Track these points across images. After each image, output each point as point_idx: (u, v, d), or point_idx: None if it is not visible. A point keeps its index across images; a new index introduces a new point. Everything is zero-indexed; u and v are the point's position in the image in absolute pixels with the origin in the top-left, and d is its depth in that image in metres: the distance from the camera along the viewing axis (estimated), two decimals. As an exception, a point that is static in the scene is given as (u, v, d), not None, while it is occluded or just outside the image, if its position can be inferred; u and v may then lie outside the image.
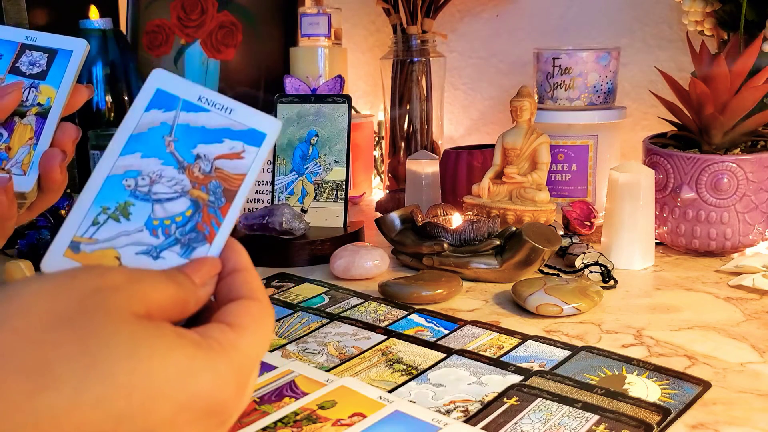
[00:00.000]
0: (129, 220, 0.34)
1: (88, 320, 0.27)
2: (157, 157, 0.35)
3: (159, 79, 0.37)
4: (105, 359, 0.27)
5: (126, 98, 1.16)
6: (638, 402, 0.48)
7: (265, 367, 0.54)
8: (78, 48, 0.52)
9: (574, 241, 0.82)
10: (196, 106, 0.36)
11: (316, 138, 0.88)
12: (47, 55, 0.52)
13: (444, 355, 0.56)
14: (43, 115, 0.51)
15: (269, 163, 0.89)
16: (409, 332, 0.61)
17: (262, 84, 1.26)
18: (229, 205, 0.35)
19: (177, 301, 0.31)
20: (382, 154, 1.20)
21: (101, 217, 0.34)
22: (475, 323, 0.62)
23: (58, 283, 0.29)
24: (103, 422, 0.26)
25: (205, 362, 0.29)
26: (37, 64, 0.52)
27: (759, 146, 0.80)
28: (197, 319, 0.33)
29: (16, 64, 0.52)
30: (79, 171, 1.12)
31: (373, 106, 1.32)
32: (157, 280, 0.31)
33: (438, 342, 0.58)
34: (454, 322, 0.62)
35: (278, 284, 0.74)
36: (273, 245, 0.80)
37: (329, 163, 0.87)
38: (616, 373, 0.52)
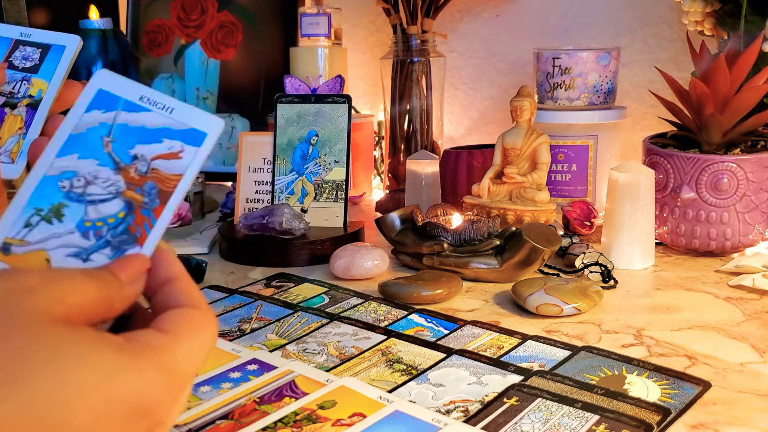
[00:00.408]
0: (61, 222, 0.34)
1: (1, 327, 0.26)
2: (94, 158, 0.35)
3: (102, 79, 0.36)
4: (20, 368, 0.25)
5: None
6: (638, 402, 0.48)
7: (265, 367, 0.54)
8: (71, 43, 0.52)
9: (574, 241, 0.82)
10: (137, 106, 0.36)
11: (316, 138, 0.88)
12: (40, 50, 0.52)
13: (444, 355, 0.56)
14: (33, 107, 0.51)
15: (269, 162, 0.89)
16: (409, 332, 0.61)
17: (262, 84, 1.26)
18: (162, 207, 0.34)
19: (99, 299, 0.30)
20: (382, 154, 1.20)
21: (34, 219, 0.34)
22: (475, 323, 0.62)
23: None
24: None
25: (128, 363, 0.28)
26: (30, 59, 0.52)
27: (759, 146, 0.80)
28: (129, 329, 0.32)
29: (10, 59, 0.52)
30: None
31: (373, 106, 1.32)
32: (76, 278, 0.29)
33: (438, 342, 0.58)
34: (454, 322, 0.62)
35: (278, 284, 0.74)
36: (273, 245, 0.80)
37: (329, 163, 0.87)
38: (616, 373, 0.52)
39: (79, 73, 1.14)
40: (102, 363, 0.27)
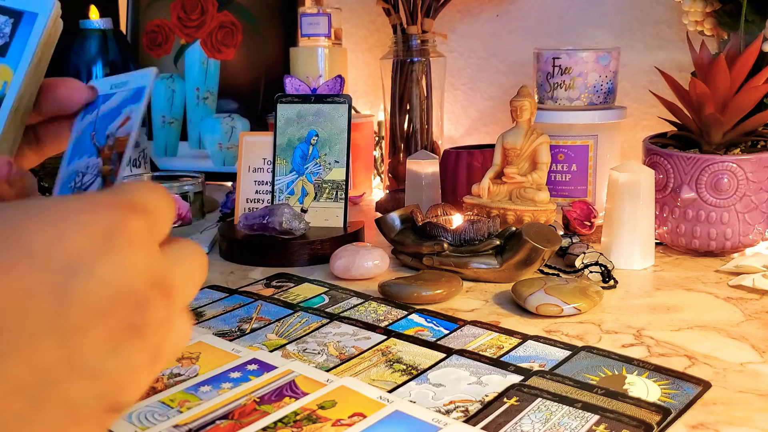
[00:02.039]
0: None
1: None
2: (87, 153, 0.39)
3: None
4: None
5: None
6: (638, 402, 0.48)
7: (265, 367, 0.54)
8: (43, 11, 0.39)
9: (574, 241, 0.82)
10: (110, 95, 0.40)
11: (316, 138, 0.88)
12: (12, 20, 0.39)
13: (444, 355, 0.56)
14: None
15: (269, 162, 0.89)
16: (409, 332, 0.61)
17: (262, 84, 1.26)
18: (119, 166, 0.37)
19: None
20: (382, 154, 1.20)
21: None
22: (475, 323, 0.62)
23: None
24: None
25: None
26: (1, 33, 0.39)
27: (759, 146, 0.80)
28: None
29: None
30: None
31: (373, 106, 1.32)
32: None
33: (438, 342, 0.58)
34: (454, 322, 0.62)
35: (278, 284, 0.74)
36: (273, 245, 0.80)
37: (329, 163, 0.87)
38: (616, 373, 0.52)
39: (80, 73, 1.14)
40: None
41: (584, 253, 0.75)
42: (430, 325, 0.62)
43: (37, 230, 0.24)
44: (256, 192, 0.89)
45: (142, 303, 0.26)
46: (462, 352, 0.56)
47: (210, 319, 0.65)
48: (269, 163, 0.89)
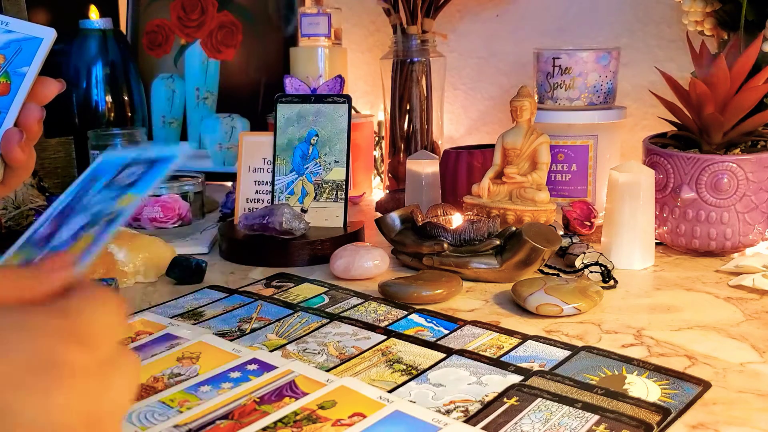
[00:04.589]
0: None
1: None
2: None
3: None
4: None
5: (126, 98, 1.16)
6: (638, 402, 0.48)
7: (265, 367, 0.54)
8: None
9: (574, 241, 0.82)
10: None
11: (316, 138, 0.88)
12: (144, 167, 0.47)
13: (444, 355, 0.56)
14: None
15: (269, 162, 0.89)
16: (409, 332, 0.61)
17: (262, 84, 1.26)
18: None
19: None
20: (382, 154, 1.20)
21: None
22: (475, 323, 0.62)
23: None
24: None
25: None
26: (132, 173, 0.49)
27: (759, 146, 0.80)
28: None
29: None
30: (79, 171, 1.12)
31: (373, 106, 1.32)
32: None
33: (438, 342, 0.58)
34: (454, 322, 0.62)
35: (278, 284, 0.74)
36: (273, 245, 0.80)
37: (329, 163, 0.87)
38: (616, 373, 0.52)
39: (80, 73, 1.14)
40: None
41: (584, 253, 0.75)
42: (430, 325, 0.62)
43: None
44: (256, 192, 0.89)
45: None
46: (462, 352, 0.56)
47: (210, 319, 0.65)
48: (269, 163, 0.89)
